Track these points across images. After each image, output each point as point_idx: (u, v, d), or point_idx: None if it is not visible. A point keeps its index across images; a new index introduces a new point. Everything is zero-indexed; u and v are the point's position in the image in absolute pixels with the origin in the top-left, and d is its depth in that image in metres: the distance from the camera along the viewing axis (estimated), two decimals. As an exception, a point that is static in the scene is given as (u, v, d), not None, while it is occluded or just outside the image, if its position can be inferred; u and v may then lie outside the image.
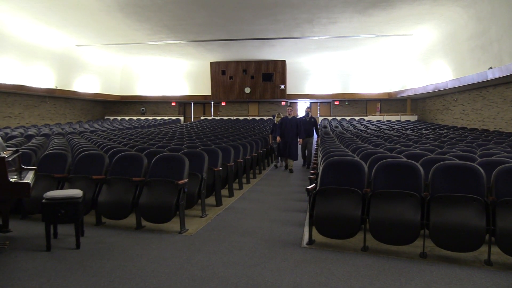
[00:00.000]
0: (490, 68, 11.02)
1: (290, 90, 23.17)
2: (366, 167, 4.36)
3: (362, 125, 17.20)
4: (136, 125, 19.37)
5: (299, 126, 9.85)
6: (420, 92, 17.73)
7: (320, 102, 24.80)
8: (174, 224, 4.69)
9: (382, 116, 22.00)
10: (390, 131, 13.58)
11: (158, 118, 23.86)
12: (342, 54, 20.53)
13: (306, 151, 10.61)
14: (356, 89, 22.85)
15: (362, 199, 3.97)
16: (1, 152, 3.80)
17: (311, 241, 4.10)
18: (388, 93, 22.23)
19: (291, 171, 9.79)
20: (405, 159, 4.66)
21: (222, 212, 5.58)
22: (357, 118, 21.42)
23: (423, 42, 16.43)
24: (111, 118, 24.28)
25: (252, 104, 25.02)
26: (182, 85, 24.25)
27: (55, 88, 18.28)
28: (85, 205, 4.35)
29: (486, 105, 14.14)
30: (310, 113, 11.04)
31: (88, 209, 4.79)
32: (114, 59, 22.47)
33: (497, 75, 10.73)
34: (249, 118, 22.70)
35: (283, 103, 24.13)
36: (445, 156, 5.18)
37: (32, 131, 13.63)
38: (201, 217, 5.22)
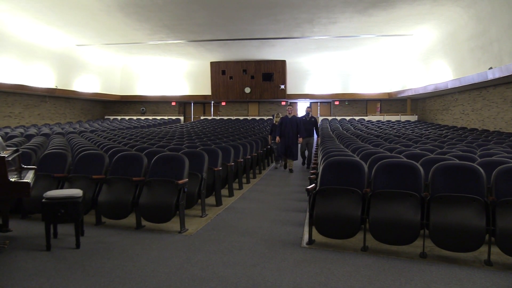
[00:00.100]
0: (490, 68, 11.02)
1: (290, 90, 23.17)
2: (366, 167, 4.36)
3: (362, 125, 17.20)
4: (136, 125, 19.37)
5: (299, 125, 9.80)
6: (420, 92, 17.73)
7: (320, 102, 24.80)
8: (174, 224, 4.69)
9: (382, 116, 21.99)
10: (390, 131, 13.58)
11: (158, 118, 23.85)
12: (342, 54, 20.53)
13: (306, 151, 10.58)
14: (356, 89, 22.85)
15: (362, 199, 3.97)
16: (1, 152, 3.80)
17: (311, 241, 4.10)
18: (388, 93, 22.22)
19: (291, 171, 9.78)
20: (405, 159, 4.66)
21: (222, 212, 5.58)
22: (357, 118, 21.41)
23: (423, 42, 16.43)
24: (111, 117, 24.27)
25: (252, 104, 25.01)
26: (182, 85, 24.24)
27: (55, 87, 18.27)
28: (85, 204, 4.34)
29: (486, 105, 14.14)
30: (310, 112, 10.96)
31: (88, 209, 4.79)
32: (114, 59, 22.47)
33: (497, 75, 10.72)
34: (249, 118, 22.70)
35: (283, 103, 24.13)
36: (445, 156, 5.18)
37: (32, 130, 13.63)
38: (201, 217, 5.22)
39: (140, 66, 24.11)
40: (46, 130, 14.03)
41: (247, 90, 23.16)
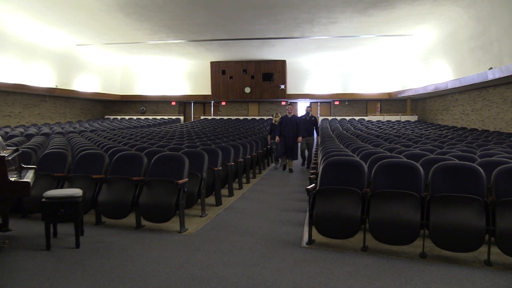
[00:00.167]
0: (490, 68, 11.02)
1: (290, 90, 23.17)
2: (366, 167, 4.36)
3: (362, 125, 17.20)
4: (136, 124, 19.37)
5: (299, 125, 9.78)
6: (420, 92, 17.73)
7: (320, 102, 24.80)
8: (173, 224, 4.69)
9: (382, 116, 21.99)
10: (390, 131, 13.58)
11: (158, 117, 23.85)
12: (342, 54, 20.53)
13: (306, 151, 10.57)
14: (356, 89, 22.85)
15: (362, 199, 3.97)
16: (1, 151, 3.80)
17: (310, 241, 4.10)
18: (388, 93, 22.22)
19: (291, 170, 9.77)
20: (405, 159, 4.66)
21: (222, 211, 5.58)
22: (357, 118, 21.41)
23: (423, 42, 16.43)
24: (111, 117, 24.27)
25: (252, 104, 25.01)
26: (182, 84, 24.24)
27: (55, 87, 18.27)
28: (85, 204, 4.34)
29: (486, 105, 14.14)
30: (310, 112, 10.94)
31: (88, 209, 4.79)
32: (114, 58, 22.47)
33: (497, 76, 10.72)
34: (249, 118, 22.70)
35: (283, 103, 24.12)
36: (445, 156, 5.18)
37: (32, 130, 13.63)
38: (201, 216, 5.22)
39: (140, 66, 24.11)
40: (46, 129, 14.03)
41: (247, 90, 23.16)
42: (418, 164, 4.17)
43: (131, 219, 4.81)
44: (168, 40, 17.46)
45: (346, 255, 3.76)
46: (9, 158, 3.76)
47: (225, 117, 23.28)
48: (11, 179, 3.60)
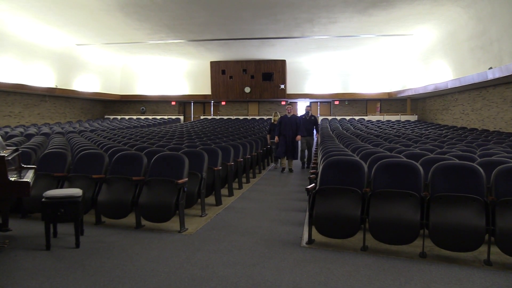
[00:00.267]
0: (490, 68, 11.02)
1: (290, 90, 23.17)
2: (365, 166, 4.36)
3: (362, 125, 17.20)
4: (136, 124, 19.36)
5: (298, 125, 9.77)
6: (420, 92, 17.73)
7: (320, 102, 24.80)
8: (173, 224, 4.69)
9: (382, 116, 22.00)
10: (390, 131, 13.58)
11: (158, 117, 23.85)
12: (342, 54, 20.53)
13: (306, 151, 10.55)
14: (356, 89, 22.85)
15: (362, 198, 3.97)
16: (1, 151, 3.80)
17: (310, 241, 4.10)
18: (388, 93, 22.22)
19: (291, 170, 9.77)
20: (405, 159, 4.66)
21: (222, 211, 5.58)
22: (357, 118, 21.41)
23: (423, 42, 16.43)
24: (111, 117, 24.27)
25: (252, 103, 25.01)
26: (182, 84, 24.24)
27: (55, 87, 18.27)
28: (84, 204, 4.35)
29: (486, 105, 14.14)
30: (310, 111, 10.91)
31: (87, 208, 4.79)
32: (114, 58, 22.46)
33: (497, 75, 10.73)
34: (249, 117, 22.70)
35: (283, 103, 24.12)
36: (445, 156, 5.18)
37: (32, 130, 13.63)
38: (201, 216, 5.22)
39: (140, 66, 24.10)
40: (46, 129, 14.03)
41: (247, 89, 23.15)
42: (418, 164, 4.17)
43: (131, 219, 4.81)
44: (168, 40, 17.45)
45: (346, 254, 3.76)
46: (9, 158, 3.76)
47: (225, 117, 23.29)
48: (11, 179, 3.60)
